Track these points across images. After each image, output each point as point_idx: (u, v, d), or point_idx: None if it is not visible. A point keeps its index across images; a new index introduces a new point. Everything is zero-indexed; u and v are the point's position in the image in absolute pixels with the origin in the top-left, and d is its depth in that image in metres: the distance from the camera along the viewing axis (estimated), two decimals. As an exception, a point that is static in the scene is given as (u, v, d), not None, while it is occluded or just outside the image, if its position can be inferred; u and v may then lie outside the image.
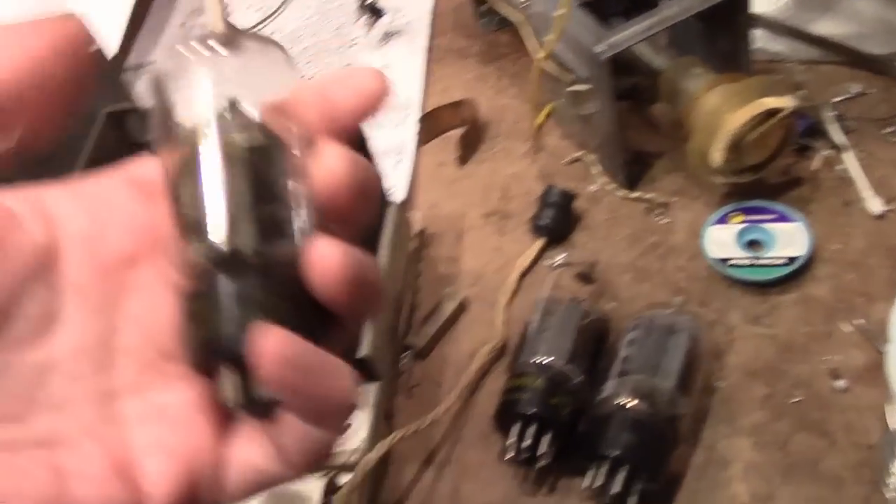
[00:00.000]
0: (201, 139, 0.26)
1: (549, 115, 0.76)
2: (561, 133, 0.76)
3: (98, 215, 0.27)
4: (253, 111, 0.27)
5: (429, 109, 0.79)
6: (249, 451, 0.26)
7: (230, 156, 0.26)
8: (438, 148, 0.77)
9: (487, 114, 0.79)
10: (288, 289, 0.25)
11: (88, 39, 0.25)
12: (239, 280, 0.25)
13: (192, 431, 0.25)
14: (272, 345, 0.23)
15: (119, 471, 0.25)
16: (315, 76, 0.53)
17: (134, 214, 0.27)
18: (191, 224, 0.26)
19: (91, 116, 0.57)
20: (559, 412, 0.55)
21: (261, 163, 0.26)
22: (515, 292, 0.66)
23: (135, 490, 0.25)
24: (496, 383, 0.61)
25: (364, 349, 0.56)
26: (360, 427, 0.56)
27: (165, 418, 0.26)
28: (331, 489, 0.54)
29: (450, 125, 0.78)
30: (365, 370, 0.57)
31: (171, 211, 0.26)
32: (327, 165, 0.26)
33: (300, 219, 0.26)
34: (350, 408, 0.25)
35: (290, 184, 0.26)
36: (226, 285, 0.25)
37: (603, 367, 0.57)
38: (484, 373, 0.62)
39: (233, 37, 0.28)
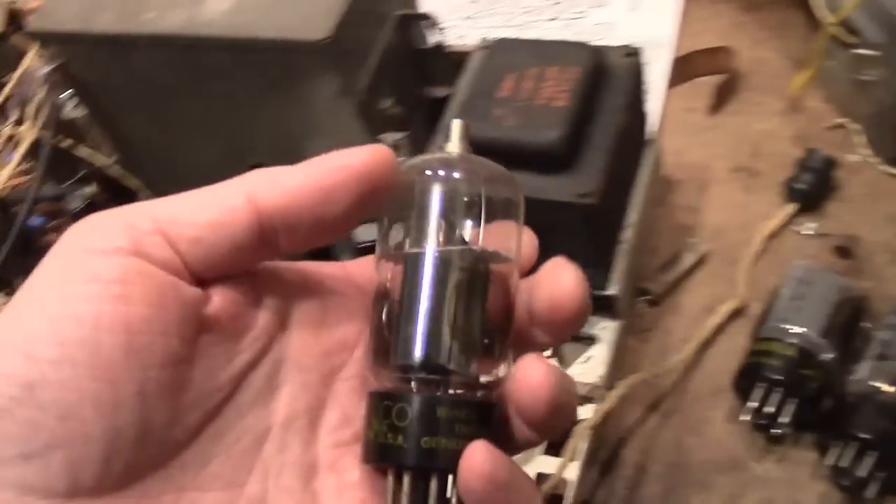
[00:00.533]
0: (420, 252, 0.26)
1: (813, 76, 0.72)
2: (824, 95, 0.72)
3: (325, 301, 0.28)
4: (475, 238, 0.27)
5: (682, 52, 0.77)
6: None
7: (443, 274, 0.26)
8: (687, 93, 0.75)
9: (742, 65, 0.76)
10: (476, 410, 0.26)
11: (390, 172, 0.26)
12: (431, 396, 0.26)
13: None
14: (482, 461, 0.24)
15: None
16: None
17: (354, 305, 0.29)
18: (393, 335, 0.27)
19: (382, 17, 0.58)
20: (806, 384, 0.53)
21: (471, 287, 0.26)
22: (760, 254, 0.64)
23: None
24: (731, 342, 0.60)
25: (612, 287, 0.56)
26: (598, 363, 0.56)
27: (350, 497, 0.27)
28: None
29: (703, 71, 0.75)
30: (608, 307, 0.57)
31: (376, 319, 0.27)
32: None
33: (499, 346, 0.27)
34: None
35: (495, 314, 0.27)
36: (418, 399, 0.25)
37: (857, 347, 0.55)
38: (719, 329, 0.61)
39: (472, 163, 0.28)
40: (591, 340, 0.58)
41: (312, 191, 0.25)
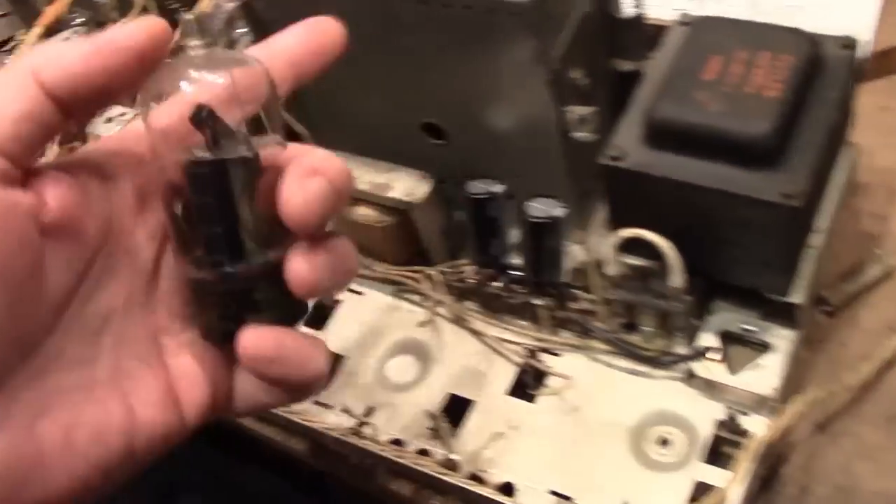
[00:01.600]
0: (195, 154, 0.29)
1: None
2: None
3: (138, 180, 0.32)
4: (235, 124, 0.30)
5: (882, 46, 0.71)
6: (249, 384, 0.32)
7: (222, 168, 0.29)
8: (884, 90, 0.70)
9: (948, 64, 0.70)
10: (270, 284, 0.30)
11: (165, 47, 0.30)
12: (231, 281, 0.30)
13: (213, 364, 0.32)
14: (250, 345, 0.30)
15: (169, 394, 0.31)
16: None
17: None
18: (192, 230, 0.30)
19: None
20: None
21: (248, 174, 0.30)
22: (957, 276, 0.59)
23: (178, 410, 0.31)
24: (915, 367, 0.55)
25: (795, 294, 0.53)
26: (771, 374, 0.53)
27: (196, 353, 0.32)
28: (730, 426, 0.52)
29: (904, 67, 0.70)
30: (787, 315, 0.54)
31: (172, 216, 0.31)
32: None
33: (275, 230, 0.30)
34: (321, 381, 0.32)
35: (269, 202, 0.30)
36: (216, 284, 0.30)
37: None
38: (902, 351, 0.57)
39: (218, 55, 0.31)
40: (763, 347, 0.54)
41: (94, 70, 0.28)
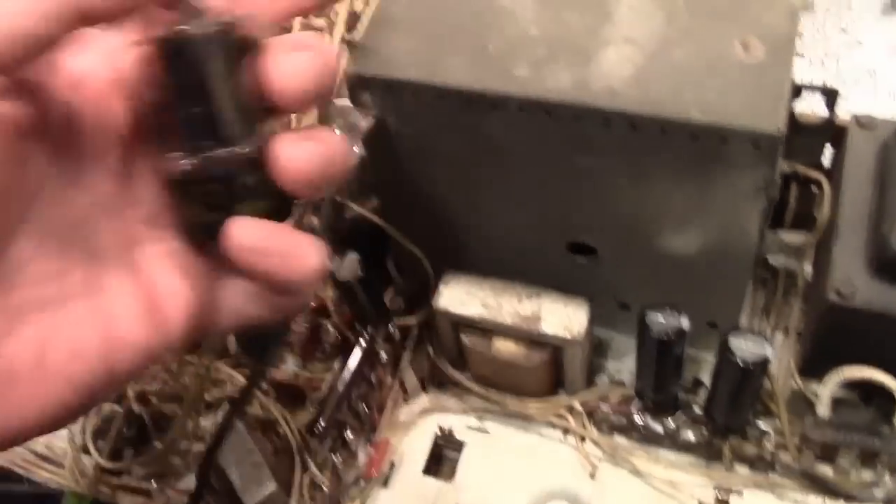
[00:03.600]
0: (174, 34, 0.26)
1: None
2: None
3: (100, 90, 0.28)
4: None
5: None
6: (235, 294, 0.30)
7: (199, 43, 0.27)
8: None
9: None
10: (256, 172, 0.28)
11: None
12: (214, 166, 0.28)
13: (196, 273, 0.29)
14: (238, 234, 0.27)
15: (149, 308, 0.28)
16: None
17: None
18: (169, 116, 0.27)
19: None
20: None
21: (227, 49, 0.27)
22: None
23: (161, 325, 0.28)
24: None
25: None
26: None
27: (177, 261, 0.29)
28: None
29: None
30: None
31: (153, 101, 0.28)
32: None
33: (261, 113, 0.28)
34: (317, 277, 0.29)
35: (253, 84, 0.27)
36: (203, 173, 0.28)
37: None
38: None
39: None
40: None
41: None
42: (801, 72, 0.65)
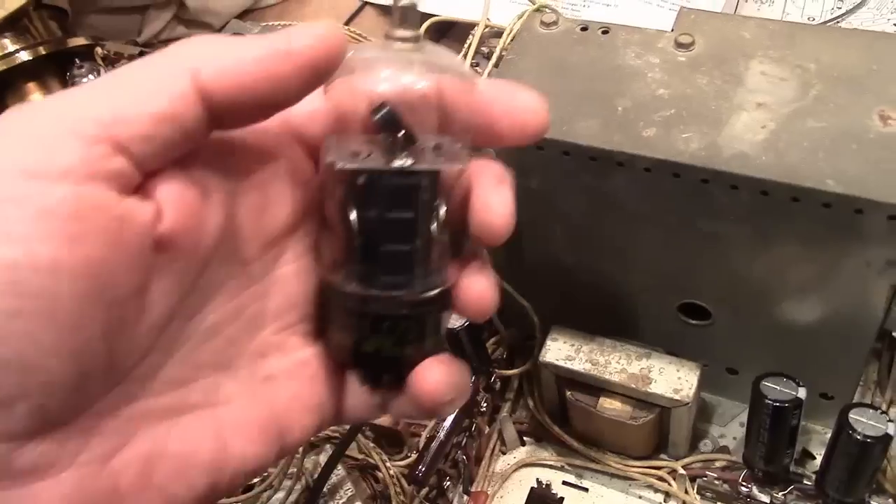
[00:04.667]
0: (379, 168, 0.25)
1: None
2: None
3: (267, 174, 0.27)
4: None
5: None
6: (356, 404, 0.29)
7: (403, 191, 0.25)
8: None
9: None
10: (439, 312, 0.27)
11: (339, 57, 0.25)
12: (404, 306, 0.26)
13: (327, 383, 0.28)
14: (434, 381, 0.27)
15: (269, 426, 0.27)
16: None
17: (299, 170, 0.28)
18: (343, 242, 0.26)
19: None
20: None
21: (431, 202, 0.26)
22: None
23: (279, 440, 0.27)
24: None
25: None
26: None
27: (308, 374, 0.28)
28: None
29: None
30: None
31: (327, 219, 0.27)
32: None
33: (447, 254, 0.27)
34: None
35: (447, 224, 0.26)
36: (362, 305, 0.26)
37: None
38: None
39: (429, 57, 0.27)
40: None
41: (262, 79, 0.24)
42: None
